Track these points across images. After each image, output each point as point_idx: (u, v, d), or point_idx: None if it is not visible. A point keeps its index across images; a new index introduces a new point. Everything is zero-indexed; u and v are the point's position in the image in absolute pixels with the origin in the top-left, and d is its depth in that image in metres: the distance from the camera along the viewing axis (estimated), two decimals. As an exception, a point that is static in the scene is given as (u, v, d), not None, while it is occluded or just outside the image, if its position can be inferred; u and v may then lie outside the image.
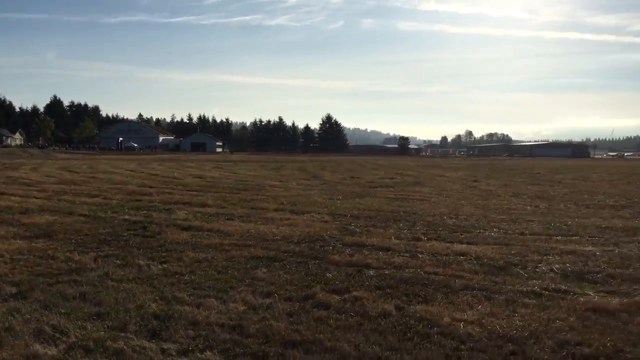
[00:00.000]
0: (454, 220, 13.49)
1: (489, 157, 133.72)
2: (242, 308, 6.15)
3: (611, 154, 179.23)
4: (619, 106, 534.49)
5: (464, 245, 10.08)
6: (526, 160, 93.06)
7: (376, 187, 24.11)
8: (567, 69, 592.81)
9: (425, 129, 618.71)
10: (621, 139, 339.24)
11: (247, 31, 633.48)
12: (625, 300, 6.62)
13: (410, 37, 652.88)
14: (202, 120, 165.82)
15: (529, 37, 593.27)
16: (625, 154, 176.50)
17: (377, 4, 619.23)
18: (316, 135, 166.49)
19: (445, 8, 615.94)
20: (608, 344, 5.16)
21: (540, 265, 8.53)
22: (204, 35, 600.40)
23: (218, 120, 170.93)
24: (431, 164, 62.86)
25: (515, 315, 6.02)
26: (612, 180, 30.53)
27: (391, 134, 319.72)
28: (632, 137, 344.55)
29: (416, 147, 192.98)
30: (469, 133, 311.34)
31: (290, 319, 5.82)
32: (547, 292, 6.98)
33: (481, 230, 11.94)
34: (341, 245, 9.95)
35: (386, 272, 7.99)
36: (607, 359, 4.86)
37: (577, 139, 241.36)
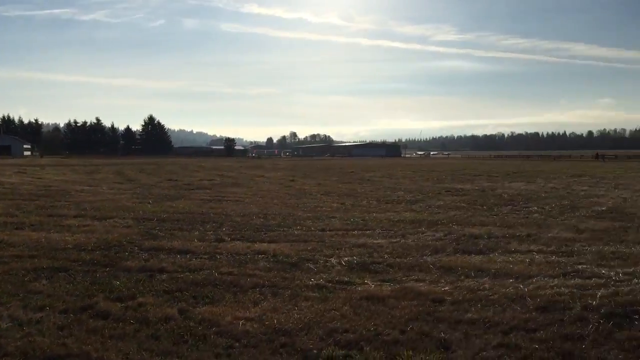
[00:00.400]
0: (262, 220, 13.75)
1: (312, 157, 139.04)
2: (6, 325, 5.62)
3: (419, 153, 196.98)
4: (426, 109, 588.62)
5: (265, 244, 10.30)
6: (345, 160, 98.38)
7: (193, 189, 23.78)
8: (381, 74, 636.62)
9: (252, 131, 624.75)
10: (428, 139, 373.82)
11: (57, 26, 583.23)
12: (396, 287, 7.26)
13: (234, 38, 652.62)
14: (7, 121, 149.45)
15: (346, 43, 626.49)
16: (431, 153, 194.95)
17: (198, 3, 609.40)
18: (138, 137, 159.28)
19: (267, 12, 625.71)
20: (371, 329, 5.61)
21: (331, 259, 9.02)
22: (6, 29, 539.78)
23: (26, 121, 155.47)
24: (254, 165, 63.64)
25: (296, 309, 6.28)
26: (414, 177, 33.45)
27: (218, 135, 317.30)
28: (437, 137, 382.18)
29: (242, 148, 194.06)
30: (294, 134, 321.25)
31: (60, 332, 5.45)
32: (330, 285, 7.40)
33: (285, 229, 12.30)
34: (139, 251, 9.61)
35: (180, 275, 7.87)
36: (366, 342, 5.26)
37: (390, 139, 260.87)
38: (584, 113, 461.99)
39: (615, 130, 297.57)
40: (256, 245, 10.15)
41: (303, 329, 5.60)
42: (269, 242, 10.63)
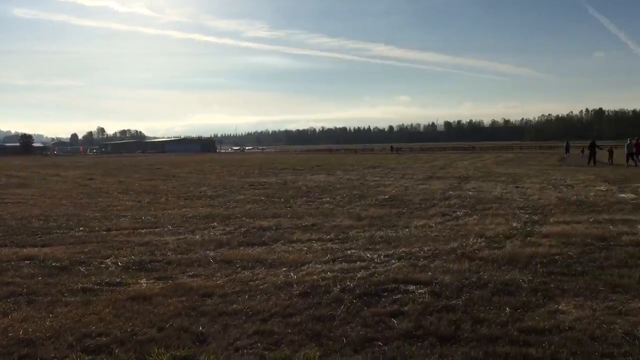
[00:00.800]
0: (42, 222, 12.68)
1: (122, 154, 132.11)
2: None
3: (235, 148, 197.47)
4: (241, 104, 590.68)
5: (36, 249, 9.51)
6: (156, 156, 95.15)
7: (-32, 192, 21.15)
8: (195, 68, 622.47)
9: (54, 126, 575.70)
10: (244, 134, 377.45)
11: None
12: (168, 284, 7.13)
13: (29, 25, 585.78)
14: None
15: (157, 35, 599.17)
16: (246, 148, 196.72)
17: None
18: None
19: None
20: (128, 329, 5.42)
21: (107, 260, 8.58)
22: None
23: None
24: (53, 163, 58.87)
25: (50, 316, 5.83)
26: (222, 173, 33.41)
27: (13, 131, 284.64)
28: (253, 132, 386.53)
29: (42, 145, 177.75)
30: (101, 130, 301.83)
31: None
32: (98, 287, 7.02)
33: (66, 231, 11.47)
34: None
35: None
36: (119, 344, 5.06)
37: (206, 134, 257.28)
38: (385, 109, 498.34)
39: (411, 125, 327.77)
40: (25, 251, 9.32)
41: (52, 337, 5.22)
42: (42, 246, 9.83)
